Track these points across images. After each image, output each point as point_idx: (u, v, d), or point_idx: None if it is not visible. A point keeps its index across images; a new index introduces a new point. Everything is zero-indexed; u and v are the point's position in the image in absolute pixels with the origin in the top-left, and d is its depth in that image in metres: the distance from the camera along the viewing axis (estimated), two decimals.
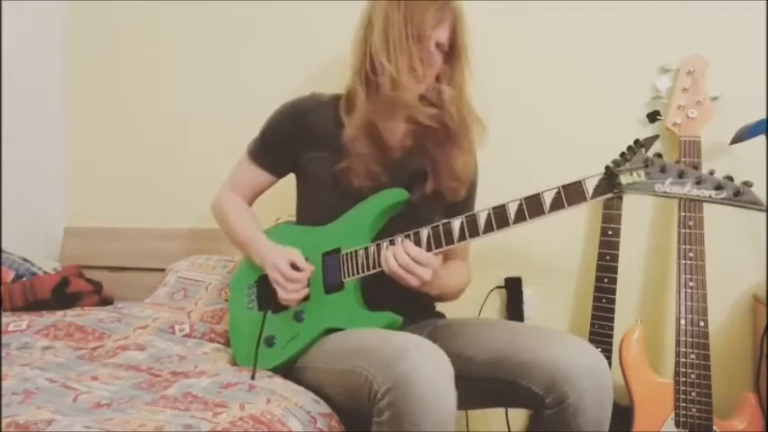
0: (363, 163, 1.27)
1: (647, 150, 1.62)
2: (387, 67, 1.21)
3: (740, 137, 1.50)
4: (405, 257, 1.16)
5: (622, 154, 1.63)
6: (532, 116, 1.76)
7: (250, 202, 1.48)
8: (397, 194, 1.29)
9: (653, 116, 1.65)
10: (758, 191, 1.53)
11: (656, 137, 1.65)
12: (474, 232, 1.14)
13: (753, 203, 0.96)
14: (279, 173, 1.44)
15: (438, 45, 1.24)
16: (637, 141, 1.62)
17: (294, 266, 1.27)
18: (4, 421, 0.89)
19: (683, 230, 1.51)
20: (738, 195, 0.96)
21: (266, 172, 1.42)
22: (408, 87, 1.22)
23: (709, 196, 0.97)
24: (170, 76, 2.13)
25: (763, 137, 1.46)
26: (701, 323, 1.47)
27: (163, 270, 1.85)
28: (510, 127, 1.73)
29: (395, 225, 1.27)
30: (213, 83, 2.07)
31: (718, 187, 0.97)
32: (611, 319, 1.57)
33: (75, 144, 2.24)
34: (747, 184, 0.97)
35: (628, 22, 1.69)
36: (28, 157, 2.10)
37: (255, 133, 1.43)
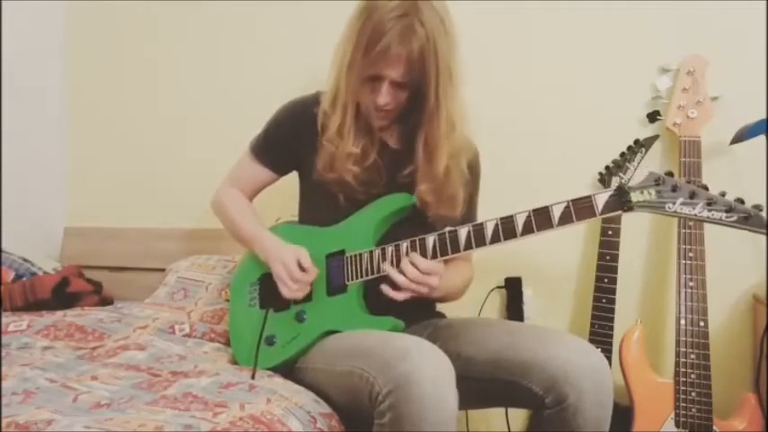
0: (341, 185, 1.28)
1: (647, 150, 1.63)
2: (330, 116, 1.25)
3: (740, 137, 1.50)
4: (413, 271, 1.16)
5: (622, 154, 1.64)
6: (532, 116, 1.76)
7: (250, 199, 1.47)
8: (402, 199, 1.28)
9: (653, 116, 1.65)
10: (758, 191, 1.55)
11: (656, 137, 1.66)
12: (480, 242, 1.14)
13: (761, 228, 0.96)
14: (280, 171, 1.44)
15: (392, 83, 1.21)
16: (637, 141, 1.64)
17: (300, 266, 1.26)
18: (4, 421, 0.89)
19: (683, 230, 1.51)
20: (748, 219, 0.96)
21: (268, 169, 1.42)
22: (339, 146, 1.25)
23: (720, 219, 0.97)
24: (170, 77, 2.13)
25: (763, 137, 1.46)
26: (701, 323, 1.47)
27: (163, 270, 1.85)
28: (510, 127, 1.73)
29: (400, 229, 1.27)
30: (213, 83, 2.07)
31: (729, 210, 0.97)
32: (611, 319, 1.57)
33: (75, 144, 2.24)
34: (758, 207, 0.96)
35: (628, 22, 1.69)
36: (28, 157, 2.10)
37: (255, 133, 1.43)
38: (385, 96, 1.22)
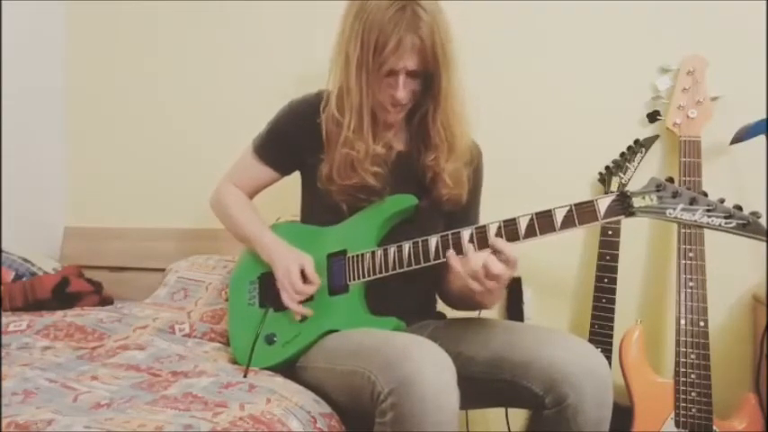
0: (345, 194, 1.28)
1: (647, 150, 1.63)
2: (341, 121, 1.23)
3: (740, 137, 1.50)
4: (499, 267, 1.08)
5: (622, 154, 1.64)
6: (532, 116, 1.76)
7: (250, 197, 1.47)
8: (405, 200, 1.28)
9: (653, 116, 1.65)
10: (758, 191, 1.55)
11: (656, 137, 1.66)
12: (483, 244, 1.13)
13: (759, 234, 0.98)
14: (283, 171, 1.43)
15: (409, 72, 1.21)
16: (637, 141, 1.64)
17: (303, 274, 1.26)
18: (4, 421, 0.89)
19: (684, 230, 1.51)
20: (746, 226, 0.98)
21: (271, 169, 1.41)
22: (359, 148, 1.23)
23: (719, 225, 0.99)
24: (170, 76, 2.13)
25: (763, 137, 1.46)
26: (701, 323, 1.47)
27: (163, 270, 1.85)
28: (510, 127, 1.74)
29: (400, 230, 1.27)
30: (213, 83, 2.07)
31: (728, 216, 0.99)
32: (611, 319, 1.57)
33: (75, 144, 2.24)
34: (756, 214, 0.98)
35: (628, 22, 1.69)
36: (28, 156, 2.10)
37: (255, 133, 1.43)
38: (402, 89, 1.22)
